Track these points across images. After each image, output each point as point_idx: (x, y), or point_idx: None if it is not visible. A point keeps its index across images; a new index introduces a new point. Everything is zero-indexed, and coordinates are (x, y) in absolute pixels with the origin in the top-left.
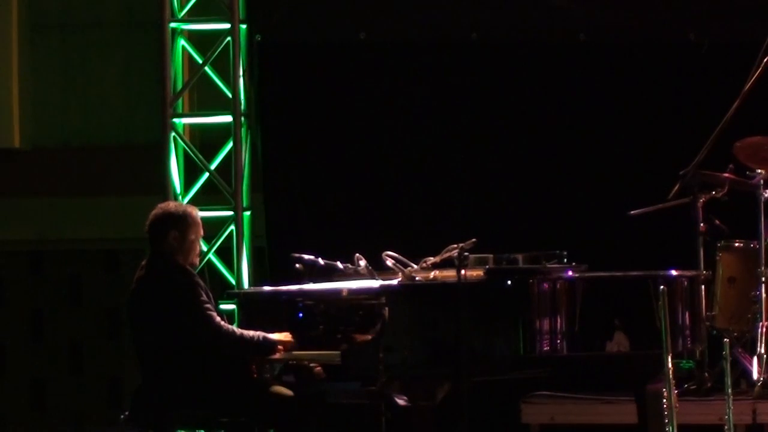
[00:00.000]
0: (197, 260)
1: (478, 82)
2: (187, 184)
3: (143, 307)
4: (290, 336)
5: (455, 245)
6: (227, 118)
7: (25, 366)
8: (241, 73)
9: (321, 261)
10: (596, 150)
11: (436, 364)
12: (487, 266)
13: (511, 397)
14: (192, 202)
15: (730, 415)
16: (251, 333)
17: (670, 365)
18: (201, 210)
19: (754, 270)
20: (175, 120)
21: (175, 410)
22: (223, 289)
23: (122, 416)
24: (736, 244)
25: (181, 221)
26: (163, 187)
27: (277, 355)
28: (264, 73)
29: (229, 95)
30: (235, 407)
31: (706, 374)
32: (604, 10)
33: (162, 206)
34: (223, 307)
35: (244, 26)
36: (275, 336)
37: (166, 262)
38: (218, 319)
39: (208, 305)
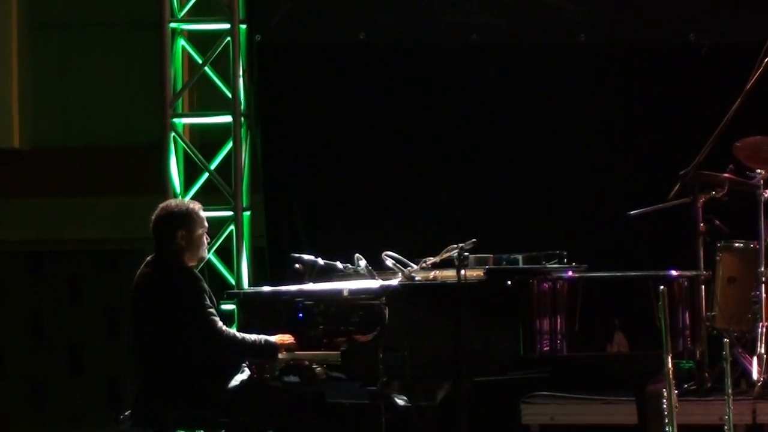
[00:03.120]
0: (206, 253)
1: (477, 83)
2: (187, 184)
3: (146, 306)
4: (291, 337)
5: (455, 245)
6: (227, 118)
7: (25, 366)
8: (241, 73)
9: (321, 261)
10: (596, 150)
11: (436, 364)
12: (487, 266)
13: (511, 397)
14: None
15: (730, 415)
16: (252, 337)
17: (670, 365)
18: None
19: (754, 270)
20: (175, 120)
21: (174, 410)
22: (223, 289)
23: (121, 416)
24: (736, 244)
25: (186, 219)
26: (163, 187)
27: (279, 356)
28: (264, 73)
29: (229, 95)
30: (234, 407)
31: (706, 374)
32: (604, 11)
33: (163, 206)
34: (223, 307)
35: (244, 26)
36: (276, 338)
37: (172, 263)
38: (220, 324)
39: (211, 310)
